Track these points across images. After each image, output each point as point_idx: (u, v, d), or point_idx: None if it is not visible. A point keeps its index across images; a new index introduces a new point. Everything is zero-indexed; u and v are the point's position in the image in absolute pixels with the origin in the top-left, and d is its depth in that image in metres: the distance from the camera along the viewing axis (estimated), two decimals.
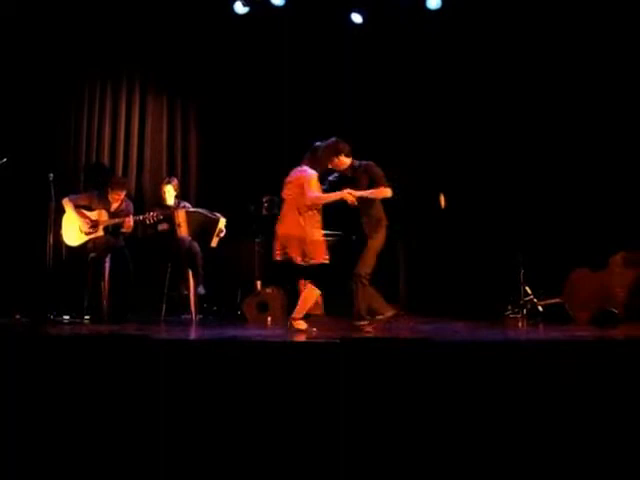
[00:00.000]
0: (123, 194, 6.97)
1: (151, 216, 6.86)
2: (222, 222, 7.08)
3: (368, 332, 5.36)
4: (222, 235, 7.08)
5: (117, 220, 6.79)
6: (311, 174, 5.53)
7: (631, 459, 3.55)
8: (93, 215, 6.80)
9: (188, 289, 7.10)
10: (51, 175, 6.61)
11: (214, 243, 7.09)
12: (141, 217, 6.87)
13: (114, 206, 6.91)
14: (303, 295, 5.57)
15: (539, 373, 3.84)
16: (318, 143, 5.69)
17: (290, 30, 8.09)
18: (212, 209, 7.20)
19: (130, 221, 6.77)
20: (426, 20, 7.87)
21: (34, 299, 6.61)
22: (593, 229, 6.99)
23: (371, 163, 5.71)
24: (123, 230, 6.80)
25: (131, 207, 7.04)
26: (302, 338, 5.09)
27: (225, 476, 3.60)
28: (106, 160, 7.89)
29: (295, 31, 8.10)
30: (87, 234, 6.75)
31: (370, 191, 5.59)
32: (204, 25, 7.96)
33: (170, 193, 7.26)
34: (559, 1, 7.50)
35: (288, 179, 5.62)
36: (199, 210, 7.21)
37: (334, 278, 5.96)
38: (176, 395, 3.72)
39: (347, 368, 3.57)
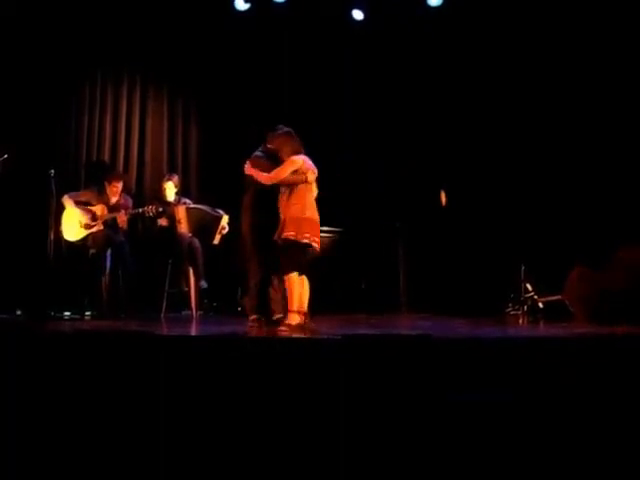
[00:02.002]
0: (120, 185, 6.99)
1: (150, 209, 6.86)
2: (225, 219, 7.07)
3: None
4: (224, 232, 7.08)
5: (114, 214, 6.81)
6: None
7: (631, 456, 3.55)
8: (93, 210, 6.82)
9: (189, 285, 7.10)
10: (52, 171, 6.62)
11: (216, 240, 7.08)
12: (140, 210, 6.88)
13: (113, 200, 6.93)
14: (307, 287, 5.40)
15: (539, 370, 3.85)
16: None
17: (291, 26, 8.10)
18: (213, 206, 7.20)
19: (123, 215, 6.78)
20: (427, 17, 7.87)
21: (35, 295, 6.63)
22: (594, 226, 6.99)
23: None
24: (119, 226, 6.81)
25: (130, 203, 7.05)
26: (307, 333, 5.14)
27: (225, 474, 3.61)
28: (107, 157, 7.90)
29: (296, 27, 8.10)
30: (87, 229, 6.76)
31: None
32: (205, 22, 7.96)
33: (171, 189, 7.27)
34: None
35: (313, 167, 5.51)
36: (200, 207, 7.21)
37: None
38: (177, 391, 3.72)
39: (348, 365, 3.57)
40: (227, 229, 7.06)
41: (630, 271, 6.17)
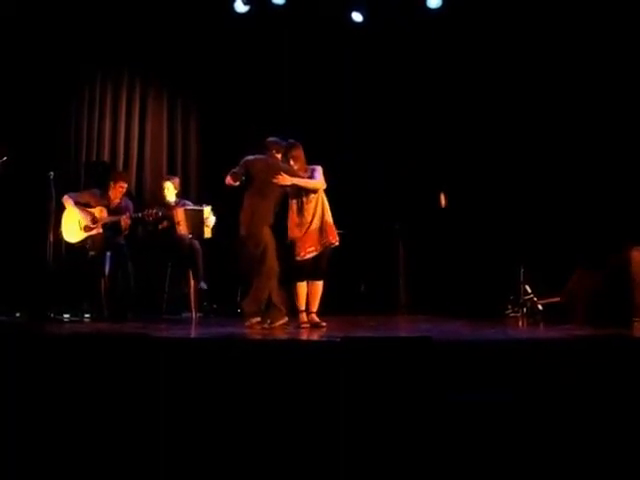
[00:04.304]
0: (126, 186, 7.02)
1: (150, 213, 6.84)
2: (206, 211, 7.07)
3: None
4: (211, 224, 7.07)
5: (115, 217, 6.80)
6: None
7: (630, 458, 3.55)
8: (93, 212, 6.81)
9: (188, 287, 7.10)
10: (51, 173, 6.62)
11: (207, 234, 7.07)
12: (140, 214, 6.87)
13: (114, 203, 6.92)
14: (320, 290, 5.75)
15: (539, 372, 3.85)
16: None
17: (290, 28, 8.10)
18: (213, 207, 7.18)
19: (127, 219, 6.78)
20: (427, 19, 7.87)
21: (34, 297, 6.62)
22: (593, 228, 6.99)
23: None
24: (122, 229, 6.80)
25: (131, 206, 7.05)
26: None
27: (225, 476, 3.61)
28: (106, 158, 7.89)
29: (295, 29, 8.10)
30: (86, 231, 6.76)
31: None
32: (204, 23, 7.95)
33: (170, 190, 7.26)
34: (559, 1, 7.51)
35: None
36: (196, 208, 7.19)
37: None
38: (176, 394, 3.72)
39: (348, 367, 3.57)
40: (214, 220, 7.07)
41: (633, 272, 6.18)
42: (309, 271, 5.70)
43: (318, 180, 5.75)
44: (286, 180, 5.62)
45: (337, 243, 5.76)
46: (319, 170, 5.80)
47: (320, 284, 5.75)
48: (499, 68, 7.80)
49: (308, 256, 5.66)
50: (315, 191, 5.74)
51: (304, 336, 5.12)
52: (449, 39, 7.93)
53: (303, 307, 5.73)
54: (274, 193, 5.68)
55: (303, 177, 5.73)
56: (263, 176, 5.63)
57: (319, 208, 5.73)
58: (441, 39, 7.96)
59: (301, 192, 5.73)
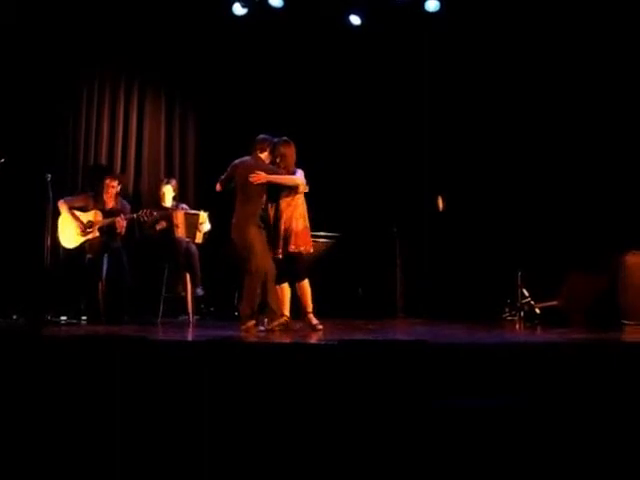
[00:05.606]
0: (116, 184, 6.96)
1: (145, 213, 6.80)
2: (202, 216, 7.06)
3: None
4: (204, 230, 7.06)
5: (110, 220, 6.77)
6: None
7: (629, 461, 3.55)
8: (88, 216, 6.79)
9: (185, 290, 7.09)
10: (49, 176, 6.60)
11: (198, 239, 7.06)
12: (135, 215, 6.84)
13: (109, 205, 6.90)
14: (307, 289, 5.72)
15: (536, 375, 3.85)
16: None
17: (289, 31, 8.10)
18: (210, 211, 7.18)
19: (121, 221, 6.75)
20: (424, 22, 7.89)
21: (32, 300, 6.61)
22: (590, 231, 7.00)
23: None
24: (117, 231, 6.78)
25: (127, 208, 7.02)
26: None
27: (224, 477, 3.60)
28: (104, 161, 7.88)
29: (294, 32, 8.11)
30: (83, 235, 6.75)
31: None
32: (203, 26, 7.97)
33: (169, 193, 7.25)
34: (558, 2, 7.52)
35: None
36: (193, 212, 7.18)
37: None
38: (173, 396, 3.72)
39: (345, 369, 3.58)
40: (207, 225, 7.06)
41: (627, 275, 6.20)
42: (287, 274, 5.69)
43: (296, 176, 5.69)
44: (261, 178, 5.57)
45: (310, 250, 5.73)
46: (300, 172, 5.74)
47: (305, 283, 5.70)
48: (496, 72, 7.81)
49: (277, 257, 5.66)
50: (294, 192, 5.67)
51: (300, 339, 5.11)
52: (447, 42, 7.94)
53: (283, 310, 5.69)
54: (258, 194, 5.66)
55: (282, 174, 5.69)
56: (244, 179, 5.64)
57: (289, 212, 5.67)
58: (439, 42, 7.96)
59: (279, 194, 5.68)
